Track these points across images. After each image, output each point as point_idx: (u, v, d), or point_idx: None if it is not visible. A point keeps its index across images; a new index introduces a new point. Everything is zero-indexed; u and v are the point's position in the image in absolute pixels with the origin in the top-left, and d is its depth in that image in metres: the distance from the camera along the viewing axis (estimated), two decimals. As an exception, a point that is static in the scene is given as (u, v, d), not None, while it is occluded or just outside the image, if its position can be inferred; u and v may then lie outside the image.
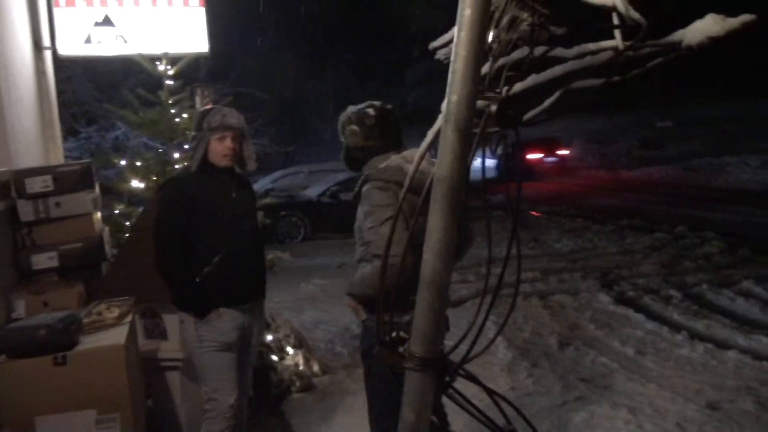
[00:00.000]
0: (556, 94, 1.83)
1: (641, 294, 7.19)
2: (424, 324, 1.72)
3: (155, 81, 5.09)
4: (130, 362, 2.93)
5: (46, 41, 5.27)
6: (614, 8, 1.56)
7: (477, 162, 1.89)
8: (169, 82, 4.89)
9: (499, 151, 1.86)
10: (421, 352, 1.73)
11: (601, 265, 8.87)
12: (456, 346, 1.88)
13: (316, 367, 5.04)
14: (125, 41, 5.30)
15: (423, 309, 1.70)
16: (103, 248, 4.05)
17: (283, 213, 13.17)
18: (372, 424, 2.87)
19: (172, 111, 4.80)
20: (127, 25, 5.29)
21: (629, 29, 1.56)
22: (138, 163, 4.91)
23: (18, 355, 2.74)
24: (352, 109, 2.88)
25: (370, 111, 2.80)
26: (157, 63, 4.91)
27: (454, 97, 1.58)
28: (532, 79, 1.70)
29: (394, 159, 2.72)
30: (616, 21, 1.59)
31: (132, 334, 3.20)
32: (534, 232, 12.00)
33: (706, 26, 1.44)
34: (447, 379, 1.92)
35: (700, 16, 1.47)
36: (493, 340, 2.13)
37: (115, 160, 5.34)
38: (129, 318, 3.25)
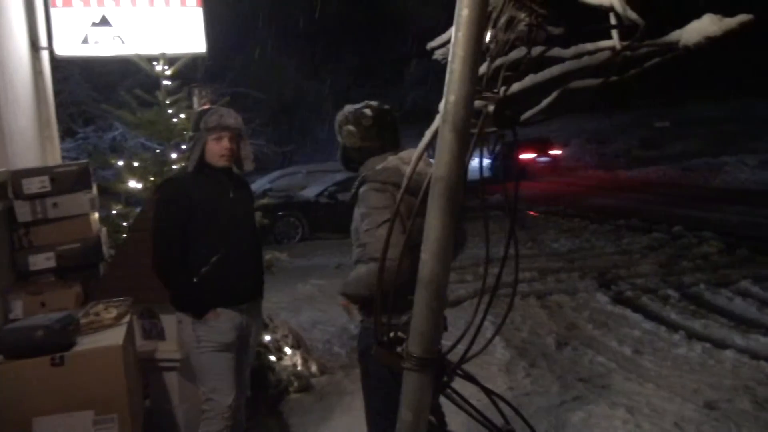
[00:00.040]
0: (554, 94, 1.83)
1: (639, 294, 7.20)
2: (422, 324, 1.72)
3: (153, 81, 5.09)
4: (128, 363, 2.93)
5: (43, 41, 5.27)
6: (611, 8, 1.56)
7: (473, 162, 1.89)
8: (166, 82, 4.89)
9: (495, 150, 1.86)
10: (419, 352, 1.73)
11: (598, 264, 8.88)
12: (454, 346, 1.88)
13: (314, 368, 5.04)
14: (122, 41, 5.30)
15: (421, 309, 1.70)
16: (100, 249, 4.05)
17: (280, 213, 13.16)
18: (369, 424, 2.87)
19: (170, 111, 4.80)
20: (125, 26, 5.29)
21: (626, 29, 1.56)
22: (135, 164, 4.90)
23: (15, 355, 2.73)
24: (349, 108, 2.86)
25: (367, 111, 2.79)
26: (155, 63, 4.91)
27: (452, 97, 1.58)
28: (529, 79, 1.70)
29: (391, 160, 2.71)
30: (613, 21, 1.59)
31: (130, 335, 3.19)
32: (532, 232, 12.01)
33: (704, 26, 1.44)
34: (445, 379, 1.92)
35: (698, 16, 1.47)
36: (491, 340, 2.13)
37: (113, 161, 5.32)
38: (127, 318, 3.25)
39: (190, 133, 3.29)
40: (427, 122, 1.87)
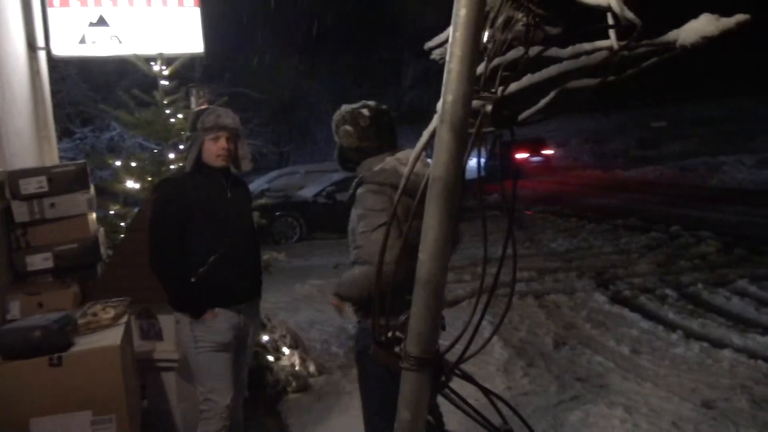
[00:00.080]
0: (552, 94, 1.83)
1: (637, 293, 7.21)
2: (420, 324, 1.72)
3: (150, 81, 5.08)
4: (126, 363, 2.93)
5: (40, 41, 5.26)
6: (609, 8, 1.56)
7: (470, 162, 1.89)
8: (164, 82, 4.88)
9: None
10: (417, 352, 1.73)
11: (596, 264, 8.89)
12: (452, 346, 1.88)
13: (312, 368, 5.04)
14: (120, 41, 5.29)
15: (419, 309, 1.70)
16: (98, 249, 4.04)
17: (278, 213, 13.16)
18: (367, 424, 2.87)
19: (167, 111, 4.80)
20: (122, 26, 5.28)
21: (624, 29, 1.56)
22: (133, 164, 4.90)
23: (13, 356, 2.73)
24: (346, 108, 2.85)
25: (365, 111, 2.78)
26: (152, 63, 4.90)
27: (450, 97, 1.58)
28: (527, 79, 1.70)
29: (389, 161, 2.71)
30: (611, 21, 1.59)
31: (127, 335, 3.19)
32: (529, 231, 12.02)
33: (701, 26, 1.44)
34: (443, 378, 1.91)
35: (695, 15, 1.47)
36: (488, 340, 2.13)
37: (110, 161, 5.31)
38: (124, 319, 3.25)
39: (188, 133, 3.29)
40: (424, 122, 1.87)
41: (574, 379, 4.83)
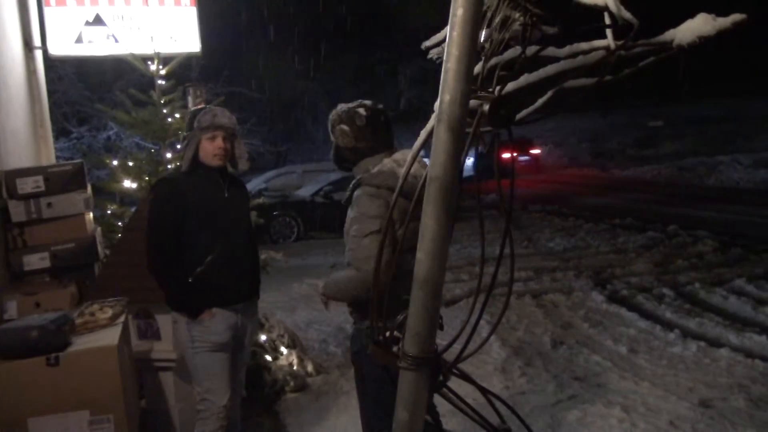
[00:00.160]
0: (549, 94, 1.83)
1: (634, 293, 7.22)
2: (418, 324, 1.72)
3: (147, 81, 5.07)
4: (123, 363, 2.92)
5: (36, 41, 5.26)
6: (606, 8, 1.56)
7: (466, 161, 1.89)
8: (161, 81, 4.87)
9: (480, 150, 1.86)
10: (415, 351, 1.73)
11: (594, 264, 8.90)
12: (450, 346, 1.88)
13: (309, 367, 5.04)
14: (116, 41, 5.29)
15: (417, 308, 1.70)
16: (95, 249, 4.04)
17: (276, 213, 13.16)
18: (364, 425, 2.87)
19: (164, 111, 4.79)
20: (119, 25, 5.28)
21: (621, 29, 1.57)
22: (130, 163, 4.89)
23: (10, 356, 2.72)
24: (342, 107, 2.84)
25: (361, 111, 2.77)
26: (149, 63, 4.90)
27: (447, 97, 1.58)
28: (524, 79, 1.70)
29: (387, 163, 2.70)
30: (608, 21, 1.59)
31: (125, 335, 3.19)
32: (527, 231, 12.02)
33: (697, 26, 1.44)
34: (441, 378, 1.92)
35: (692, 15, 1.48)
36: (486, 339, 2.14)
37: (107, 160, 5.31)
38: (122, 318, 3.24)
39: (185, 133, 3.28)
40: (421, 122, 1.87)
41: (571, 379, 4.84)
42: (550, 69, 1.69)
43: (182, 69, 5.58)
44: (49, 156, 5.38)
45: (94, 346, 2.85)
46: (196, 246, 3.16)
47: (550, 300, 7.13)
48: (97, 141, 15.99)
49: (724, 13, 1.43)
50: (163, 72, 4.90)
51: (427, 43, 2.05)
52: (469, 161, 2.03)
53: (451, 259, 9.05)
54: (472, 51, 1.56)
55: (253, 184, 16.17)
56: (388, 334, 1.96)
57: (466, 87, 1.57)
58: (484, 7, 1.62)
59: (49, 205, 3.87)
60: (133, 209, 4.66)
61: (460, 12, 1.53)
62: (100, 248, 4.14)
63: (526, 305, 6.95)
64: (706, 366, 4.95)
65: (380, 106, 2.86)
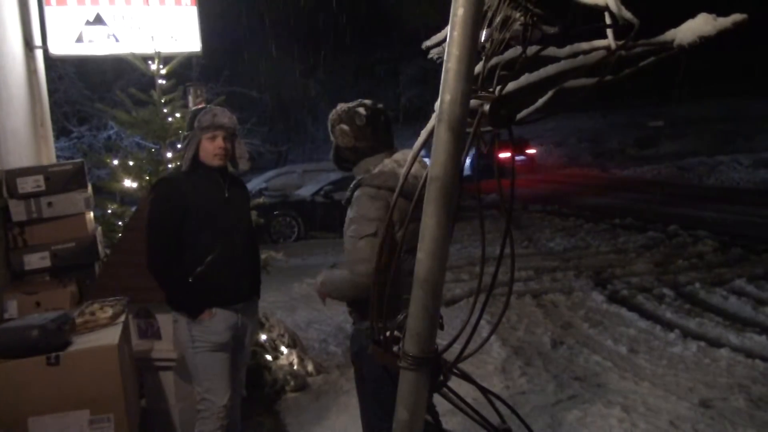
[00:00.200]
0: (549, 94, 1.83)
1: (634, 293, 7.22)
2: (419, 323, 1.72)
3: (147, 80, 5.08)
4: (124, 362, 2.92)
5: (37, 40, 5.26)
6: (606, 8, 1.56)
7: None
8: (161, 81, 4.88)
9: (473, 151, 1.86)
10: (415, 351, 1.73)
11: (594, 263, 8.90)
12: (450, 345, 1.88)
13: (310, 367, 5.04)
14: (117, 40, 5.29)
15: (417, 308, 1.70)
16: (96, 248, 4.04)
17: (276, 212, 13.16)
18: (365, 424, 2.87)
19: (165, 110, 4.79)
20: (119, 24, 5.28)
21: (621, 29, 1.57)
22: (130, 163, 4.89)
23: (10, 355, 2.72)
24: (342, 107, 2.83)
25: (361, 110, 2.76)
26: (149, 62, 4.90)
27: (448, 97, 1.58)
28: (524, 79, 1.70)
29: (387, 163, 2.69)
30: (608, 20, 1.59)
31: (125, 334, 3.19)
32: (527, 230, 12.02)
33: (698, 26, 1.44)
34: (441, 378, 1.92)
35: (692, 15, 1.48)
36: (487, 339, 2.14)
37: (108, 160, 5.30)
38: (122, 318, 3.24)
39: (185, 132, 3.28)
40: (422, 122, 1.87)
41: (571, 379, 4.84)
42: (550, 69, 1.69)
43: (183, 68, 5.58)
44: (49, 155, 5.38)
45: (94, 345, 2.85)
46: (197, 246, 3.16)
47: (551, 300, 7.14)
48: (97, 140, 15.99)
49: (724, 13, 1.43)
50: (163, 71, 4.90)
51: (428, 43, 2.04)
52: (467, 161, 2.03)
53: (452, 259, 9.05)
54: (473, 51, 1.56)
55: (254, 184, 16.17)
56: (388, 333, 1.96)
57: (466, 87, 1.57)
58: (485, 7, 1.62)
59: (49, 204, 3.87)
60: (133, 209, 4.66)
61: (460, 12, 1.53)
62: (100, 248, 4.14)
63: (527, 305, 6.95)
64: (707, 366, 4.95)
65: (380, 105, 2.86)
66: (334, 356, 5.53)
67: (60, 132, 14.99)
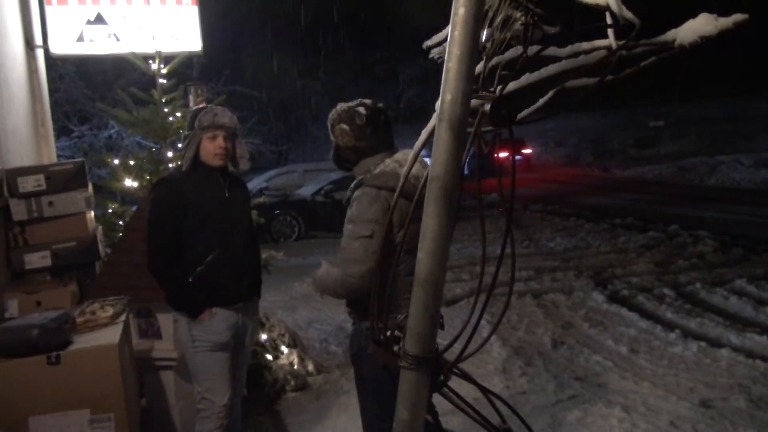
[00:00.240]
0: (550, 93, 1.83)
1: (635, 293, 7.21)
2: (419, 323, 1.72)
3: (148, 80, 5.08)
4: (124, 362, 2.92)
5: (38, 40, 5.26)
6: (607, 8, 1.56)
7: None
8: (162, 80, 4.87)
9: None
10: (415, 351, 1.73)
11: (594, 263, 8.90)
12: (450, 345, 1.88)
13: (310, 367, 5.04)
14: (118, 40, 5.29)
15: (418, 308, 1.71)
16: (96, 247, 4.04)
17: (277, 212, 13.16)
18: (365, 424, 2.87)
19: (165, 110, 4.79)
20: (120, 24, 5.28)
21: (622, 28, 1.57)
22: (131, 162, 4.89)
23: (11, 354, 2.72)
24: (342, 107, 2.82)
25: (361, 110, 2.75)
26: (150, 62, 4.90)
27: (448, 96, 1.58)
28: (525, 78, 1.70)
29: (388, 164, 2.69)
30: (609, 20, 1.59)
31: (126, 334, 3.19)
32: (528, 230, 12.02)
33: (699, 26, 1.44)
34: (441, 377, 1.92)
35: (693, 15, 1.47)
36: (487, 339, 2.14)
37: (108, 159, 5.30)
38: (123, 317, 3.24)
39: (186, 132, 3.28)
40: (422, 121, 1.87)
41: (572, 379, 4.84)
42: (551, 69, 1.69)
43: (183, 68, 5.59)
44: (50, 155, 5.39)
45: (95, 344, 2.85)
46: (197, 245, 3.15)
47: (551, 300, 7.13)
48: (98, 140, 16.00)
49: (725, 13, 1.43)
50: (164, 71, 4.90)
51: (429, 43, 2.04)
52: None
53: (452, 259, 9.05)
54: (474, 50, 1.56)
55: (254, 184, 16.18)
56: (388, 333, 1.96)
57: (467, 86, 1.57)
58: (486, 7, 1.62)
59: (50, 203, 3.88)
60: (133, 208, 4.66)
61: (461, 11, 1.53)
62: (101, 247, 4.14)
63: (527, 305, 6.95)
64: (707, 366, 4.95)
65: (380, 105, 2.85)
66: (335, 356, 5.53)
67: (61, 131, 15.00)
